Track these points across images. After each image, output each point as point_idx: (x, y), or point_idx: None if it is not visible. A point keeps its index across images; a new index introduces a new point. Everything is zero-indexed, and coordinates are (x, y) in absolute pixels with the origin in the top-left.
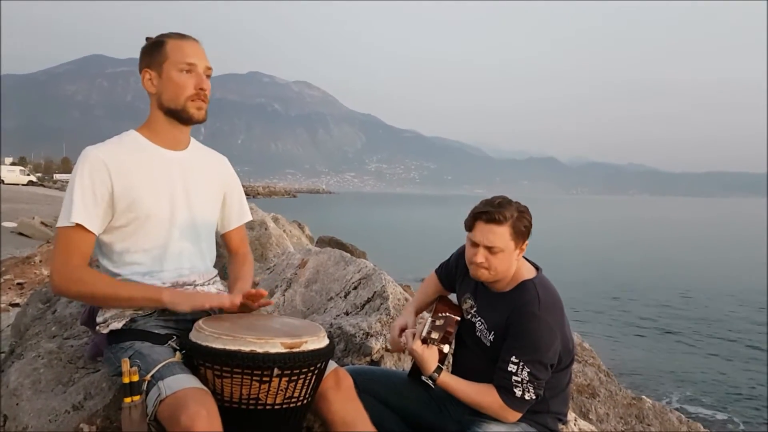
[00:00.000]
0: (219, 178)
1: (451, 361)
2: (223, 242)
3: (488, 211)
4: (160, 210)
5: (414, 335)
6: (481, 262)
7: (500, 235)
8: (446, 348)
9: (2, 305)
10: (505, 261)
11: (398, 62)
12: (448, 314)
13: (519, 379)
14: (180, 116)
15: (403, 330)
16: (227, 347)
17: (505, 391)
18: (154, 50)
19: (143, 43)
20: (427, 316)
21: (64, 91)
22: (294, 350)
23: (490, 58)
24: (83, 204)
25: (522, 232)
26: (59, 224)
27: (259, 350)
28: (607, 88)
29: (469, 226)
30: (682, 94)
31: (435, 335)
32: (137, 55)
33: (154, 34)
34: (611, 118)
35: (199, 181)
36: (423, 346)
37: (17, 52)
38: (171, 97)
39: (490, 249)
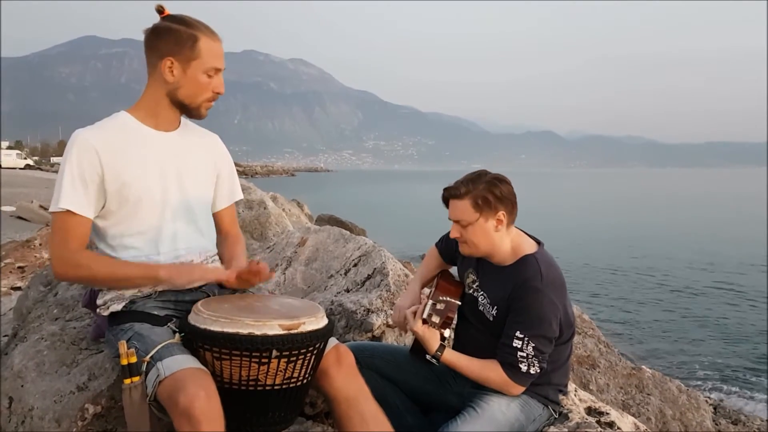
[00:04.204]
0: (211, 157)
1: (452, 335)
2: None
3: (448, 187)
4: (151, 192)
5: (415, 315)
6: (456, 237)
7: (462, 208)
8: (447, 332)
9: (3, 289)
10: (479, 234)
11: (394, 37)
12: (449, 298)
13: (524, 354)
14: (190, 112)
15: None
16: (225, 330)
17: (511, 366)
18: (184, 42)
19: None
20: (426, 291)
21: (58, 74)
22: (292, 332)
23: (486, 31)
24: (72, 188)
25: (486, 203)
26: (51, 209)
27: (257, 332)
28: (604, 62)
29: (444, 203)
30: (680, 66)
31: (436, 319)
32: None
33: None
34: (609, 91)
35: (191, 161)
36: (424, 326)
37: (9, 34)
38: (189, 95)
39: (459, 223)
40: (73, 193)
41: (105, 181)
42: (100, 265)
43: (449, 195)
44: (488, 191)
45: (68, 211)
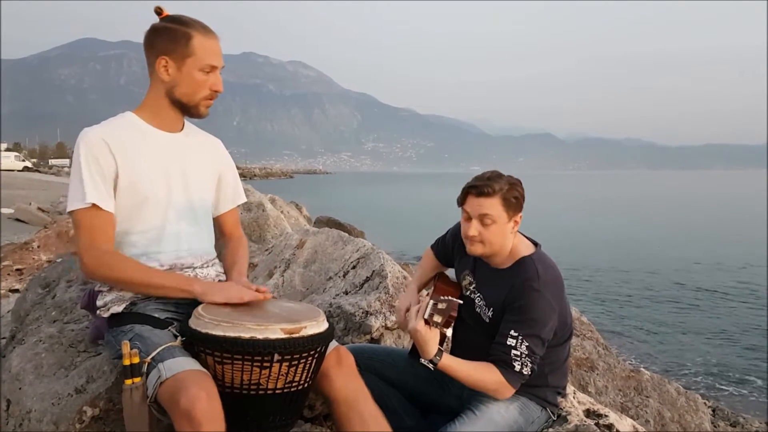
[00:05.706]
0: (214, 160)
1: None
2: (216, 225)
3: (477, 185)
4: (157, 191)
5: (415, 316)
6: (474, 236)
7: (491, 206)
8: (449, 332)
9: (2, 291)
10: (499, 233)
11: (393, 38)
12: (450, 297)
13: (518, 353)
14: (189, 111)
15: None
16: (227, 334)
17: (504, 365)
18: (178, 40)
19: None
20: (424, 292)
21: (56, 76)
22: (294, 335)
23: (483, 32)
24: (93, 183)
25: (513, 203)
26: (72, 207)
27: (259, 336)
28: (602, 62)
29: (461, 200)
30: (679, 66)
31: (438, 319)
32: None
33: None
34: (608, 93)
35: (195, 163)
36: (425, 327)
37: (9, 35)
38: (186, 93)
39: (482, 221)
40: (95, 187)
41: (118, 176)
42: (135, 271)
43: (479, 192)
44: (515, 191)
45: (94, 206)
